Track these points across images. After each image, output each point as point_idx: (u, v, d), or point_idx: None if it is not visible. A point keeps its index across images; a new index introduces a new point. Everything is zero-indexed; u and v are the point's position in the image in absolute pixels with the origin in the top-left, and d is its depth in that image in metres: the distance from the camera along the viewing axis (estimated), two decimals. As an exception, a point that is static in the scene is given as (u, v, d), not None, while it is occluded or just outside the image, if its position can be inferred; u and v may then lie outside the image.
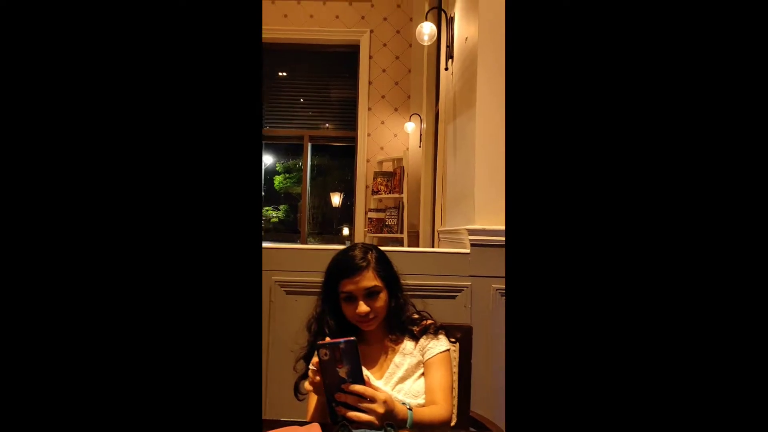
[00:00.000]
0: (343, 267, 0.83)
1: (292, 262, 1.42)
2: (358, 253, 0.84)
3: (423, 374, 0.85)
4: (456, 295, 1.37)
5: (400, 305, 0.88)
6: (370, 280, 0.81)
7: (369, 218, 3.57)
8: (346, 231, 4.37)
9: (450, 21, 2.07)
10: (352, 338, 0.70)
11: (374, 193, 3.53)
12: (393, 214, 3.39)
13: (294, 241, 4.32)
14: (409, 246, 3.24)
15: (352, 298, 0.82)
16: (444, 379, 0.84)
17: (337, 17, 3.71)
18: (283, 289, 1.38)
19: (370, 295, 0.82)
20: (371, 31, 3.69)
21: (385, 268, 0.85)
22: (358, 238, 3.70)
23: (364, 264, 0.82)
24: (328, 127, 4.05)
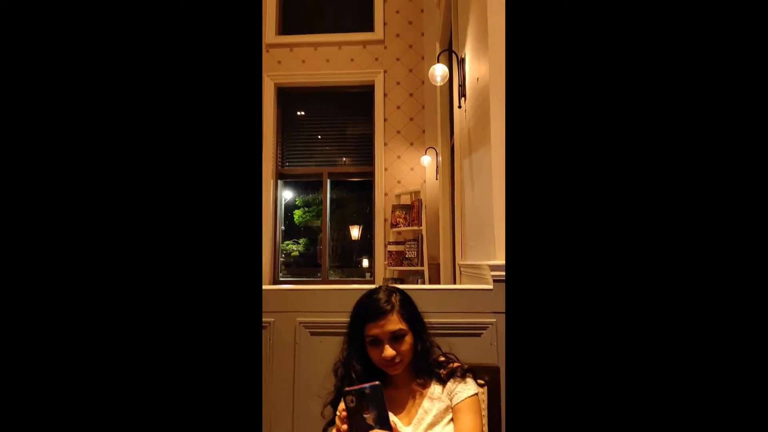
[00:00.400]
0: (367, 310, 0.85)
1: (316, 303, 1.44)
2: (382, 296, 0.86)
3: (452, 419, 0.84)
4: (481, 333, 1.35)
5: (426, 348, 0.88)
6: (395, 323, 0.83)
7: (389, 251, 3.58)
8: (365, 263, 4.38)
9: (461, 62, 2.15)
10: (377, 383, 0.71)
11: (393, 226, 3.57)
12: (413, 246, 3.40)
13: (315, 275, 4.34)
14: (430, 278, 3.22)
15: (378, 342, 0.83)
16: (473, 424, 0.83)
17: (352, 60, 3.90)
18: (307, 330, 1.40)
19: (396, 338, 0.83)
20: (385, 71, 3.85)
21: (410, 310, 0.87)
22: (378, 270, 3.70)
23: (389, 307, 0.84)
24: (345, 162, 4.16)
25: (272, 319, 1.40)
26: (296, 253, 5.20)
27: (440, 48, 2.97)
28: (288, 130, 4.07)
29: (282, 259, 4.28)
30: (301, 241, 5.23)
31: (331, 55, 3.90)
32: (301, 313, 1.40)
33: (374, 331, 0.82)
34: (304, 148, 4.12)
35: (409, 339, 0.84)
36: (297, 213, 5.35)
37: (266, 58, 3.93)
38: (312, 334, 1.39)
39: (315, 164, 4.12)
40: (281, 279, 4.01)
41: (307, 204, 5.33)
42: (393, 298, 0.85)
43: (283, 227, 4.40)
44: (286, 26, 4.08)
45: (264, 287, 1.46)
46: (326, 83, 3.93)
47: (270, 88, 3.90)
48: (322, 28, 3.99)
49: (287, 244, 4.98)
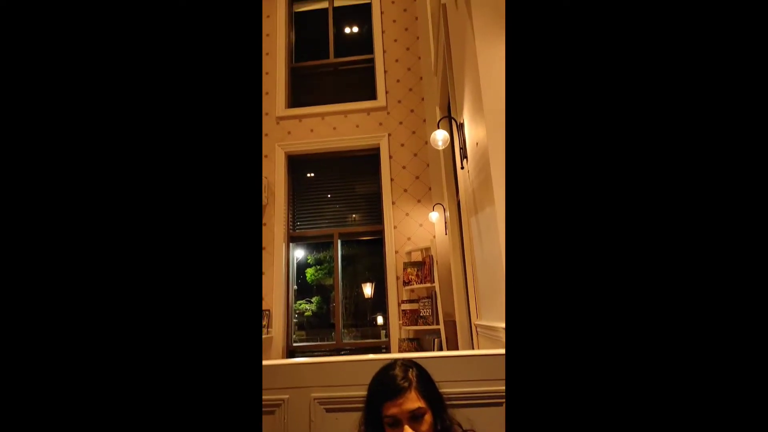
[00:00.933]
0: (384, 389, 0.84)
1: (331, 377, 1.42)
2: (398, 372, 0.85)
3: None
4: (503, 402, 1.30)
5: (446, 427, 0.85)
6: (413, 401, 0.81)
7: (403, 310, 3.53)
8: (380, 320, 4.30)
9: (460, 126, 2.28)
10: None
11: (405, 284, 3.54)
12: (427, 304, 3.35)
13: (329, 336, 4.25)
14: (447, 337, 3.13)
15: (397, 423, 0.81)
16: None
17: (358, 126, 4.12)
18: (323, 406, 1.36)
19: (415, 418, 0.81)
20: (389, 135, 4.04)
21: (428, 386, 0.85)
22: (393, 328, 3.62)
23: (406, 384, 0.83)
24: (355, 218, 4.24)
25: (286, 396, 1.38)
26: (309, 313, 5.14)
27: (440, 111, 3.14)
28: (299, 193, 4.22)
29: (295, 320, 4.23)
30: (314, 299, 5.19)
31: (338, 123, 4.14)
32: (315, 388, 1.37)
33: (392, 410, 0.81)
34: (314, 208, 4.23)
35: (428, 418, 0.82)
36: (309, 271, 5.36)
37: (277, 129, 4.18)
38: (327, 411, 1.35)
39: (326, 225, 4.21)
40: (294, 344, 3.93)
41: (319, 262, 5.36)
42: (410, 374, 0.84)
43: (295, 286, 4.40)
44: (295, 100, 4.39)
45: (276, 362, 1.45)
46: (334, 149, 4.13)
47: (281, 157, 4.11)
48: (329, 100, 4.28)
49: (300, 304, 4.94)
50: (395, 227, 3.85)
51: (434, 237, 3.58)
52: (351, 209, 4.25)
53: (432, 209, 3.61)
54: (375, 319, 4.45)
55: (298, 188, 4.21)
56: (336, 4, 4.71)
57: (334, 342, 4.00)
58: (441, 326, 3.16)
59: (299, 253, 5.33)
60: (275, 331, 3.74)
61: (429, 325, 3.28)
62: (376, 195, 4.05)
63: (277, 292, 3.84)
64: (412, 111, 4.09)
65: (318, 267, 5.46)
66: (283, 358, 3.69)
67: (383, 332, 4.00)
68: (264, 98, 4.30)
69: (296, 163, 4.24)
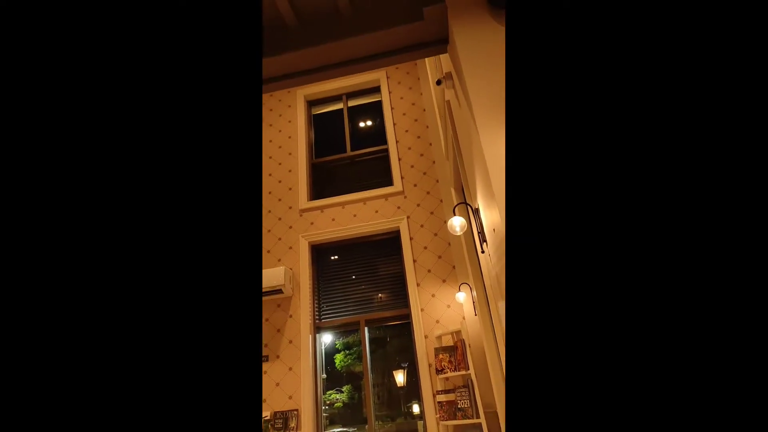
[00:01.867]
0: None
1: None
2: None
3: None
4: None
5: None
6: None
7: (438, 402, 3.29)
8: (416, 408, 4.00)
9: (476, 211, 2.33)
10: None
11: (439, 371, 3.36)
12: (464, 394, 3.13)
13: (363, 430, 3.95)
14: (490, 431, 2.87)
15: None
16: None
17: (377, 212, 4.27)
18: None
19: None
20: (408, 217, 4.15)
21: None
22: (429, 418, 3.35)
23: None
24: (381, 298, 4.18)
25: None
26: (340, 404, 4.85)
27: (455, 192, 3.24)
28: (323, 280, 4.26)
29: (325, 414, 3.99)
30: (344, 389, 4.92)
31: (358, 211, 4.31)
32: None
33: None
34: (339, 294, 4.23)
35: None
36: (338, 357, 5.17)
37: (300, 221, 4.38)
38: None
39: (352, 310, 4.16)
40: (326, 445, 3.66)
41: (347, 346, 5.19)
42: None
43: (324, 375, 4.23)
44: (316, 192, 4.65)
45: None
46: (355, 235, 4.25)
47: (305, 247, 4.24)
48: (348, 189, 4.52)
49: (330, 394, 4.69)
50: (422, 310, 3.77)
51: (464, 318, 3.47)
52: (376, 290, 4.23)
53: (458, 289, 3.55)
54: (410, 409, 4.14)
55: (322, 276, 4.27)
56: (350, 104, 5.20)
57: (369, 442, 3.71)
58: (482, 419, 2.91)
59: (326, 338, 5.21)
60: (303, 428, 3.52)
61: (469, 418, 3.03)
62: (400, 276, 4.04)
63: (305, 387, 3.70)
64: (428, 193, 4.24)
65: (347, 352, 5.27)
66: (314, 465, 3.42)
67: (420, 423, 3.70)
68: (287, 193, 4.57)
69: (320, 252, 4.35)
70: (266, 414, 3.57)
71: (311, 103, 5.27)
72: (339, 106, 5.23)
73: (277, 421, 3.54)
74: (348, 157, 4.82)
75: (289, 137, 4.93)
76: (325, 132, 5.16)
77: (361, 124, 5.13)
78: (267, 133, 5.00)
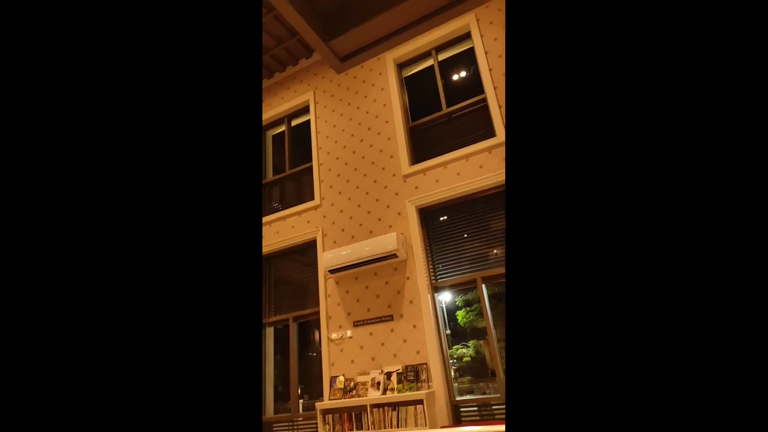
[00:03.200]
0: None
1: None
2: None
3: None
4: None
5: None
6: None
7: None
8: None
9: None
10: None
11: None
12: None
13: (492, 382, 4.04)
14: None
15: None
16: None
17: (481, 167, 4.09)
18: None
19: None
20: (516, 168, 3.88)
21: None
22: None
23: None
24: (497, 254, 4.09)
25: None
26: (468, 358, 5.02)
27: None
28: (435, 242, 4.33)
29: (453, 368, 4.18)
30: (470, 343, 5.06)
31: (461, 169, 4.19)
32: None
33: None
34: (453, 254, 4.25)
35: None
36: (460, 314, 5.30)
37: (405, 187, 4.47)
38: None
39: (468, 268, 4.17)
40: (458, 397, 3.86)
41: (467, 303, 5.27)
42: None
43: (448, 331, 4.40)
44: (417, 156, 4.66)
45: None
46: (462, 194, 4.17)
47: (413, 212, 4.34)
48: (448, 148, 4.41)
49: (456, 349, 4.88)
50: (542, 264, 3.56)
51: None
52: (490, 246, 4.14)
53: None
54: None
55: (433, 237, 4.34)
56: (440, 58, 4.96)
57: (499, 395, 3.78)
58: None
59: (446, 297, 5.37)
60: (436, 384, 3.77)
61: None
62: (514, 232, 3.85)
63: (431, 343, 3.91)
64: (536, 139, 3.87)
65: (468, 309, 5.36)
66: (448, 415, 3.66)
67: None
68: (389, 161, 4.69)
69: (428, 215, 4.41)
70: (398, 367, 3.91)
71: (401, 66, 5.19)
72: (429, 62, 5.04)
73: (408, 373, 3.84)
74: (444, 114, 4.66)
75: (384, 105, 4.98)
76: (419, 93, 5.05)
77: (455, 77, 4.88)
78: (363, 105, 5.14)
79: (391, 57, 5.14)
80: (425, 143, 4.70)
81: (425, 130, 4.77)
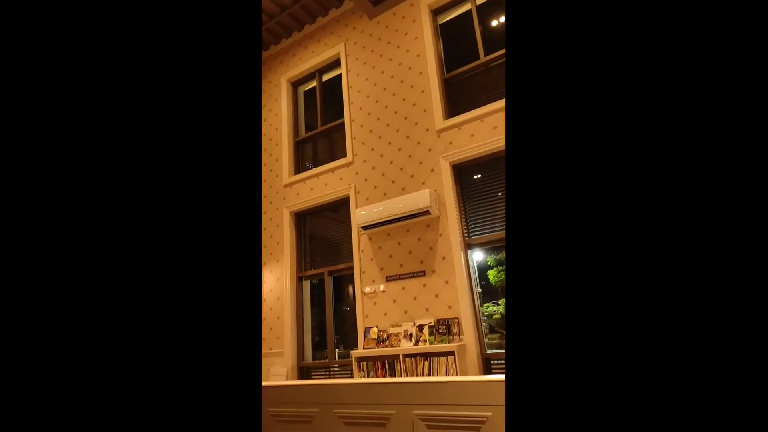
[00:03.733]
0: None
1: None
2: None
3: None
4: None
5: None
6: None
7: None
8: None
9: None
10: None
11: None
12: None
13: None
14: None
15: None
16: None
17: (521, 120, 3.87)
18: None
19: None
20: (558, 120, 3.65)
21: None
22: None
23: None
24: (533, 214, 3.98)
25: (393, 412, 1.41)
26: (498, 316, 5.06)
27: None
28: (468, 199, 4.25)
29: (485, 324, 4.23)
30: (501, 302, 5.08)
31: (498, 122, 3.99)
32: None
33: None
34: (487, 211, 4.17)
35: None
36: (491, 273, 5.29)
37: (439, 142, 4.34)
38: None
39: (501, 228, 4.09)
40: (488, 351, 3.94)
41: (500, 263, 5.23)
42: None
43: (479, 289, 4.42)
44: (451, 110, 4.47)
45: (478, 377, 1.50)
46: (498, 149, 4.00)
47: (446, 168, 4.23)
48: (485, 101, 4.18)
49: (487, 307, 4.93)
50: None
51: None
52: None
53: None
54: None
55: (467, 195, 4.25)
56: (479, 2, 4.59)
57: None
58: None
59: (478, 256, 5.35)
60: (467, 338, 3.84)
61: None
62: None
63: (462, 300, 3.95)
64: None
65: (499, 268, 5.33)
66: (479, 367, 3.75)
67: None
68: (423, 116, 4.53)
69: (462, 171, 4.29)
70: (430, 320, 4.00)
71: (436, 12, 4.87)
72: (467, 6, 4.69)
73: (440, 327, 3.93)
74: (482, 63, 4.39)
75: (418, 55, 4.74)
76: (455, 42, 4.75)
77: (494, 23, 4.53)
78: (396, 56, 4.92)
79: (425, 2, 4.82)
80: (461, 95, 4.48)
81: (461, 81, 4.53)
